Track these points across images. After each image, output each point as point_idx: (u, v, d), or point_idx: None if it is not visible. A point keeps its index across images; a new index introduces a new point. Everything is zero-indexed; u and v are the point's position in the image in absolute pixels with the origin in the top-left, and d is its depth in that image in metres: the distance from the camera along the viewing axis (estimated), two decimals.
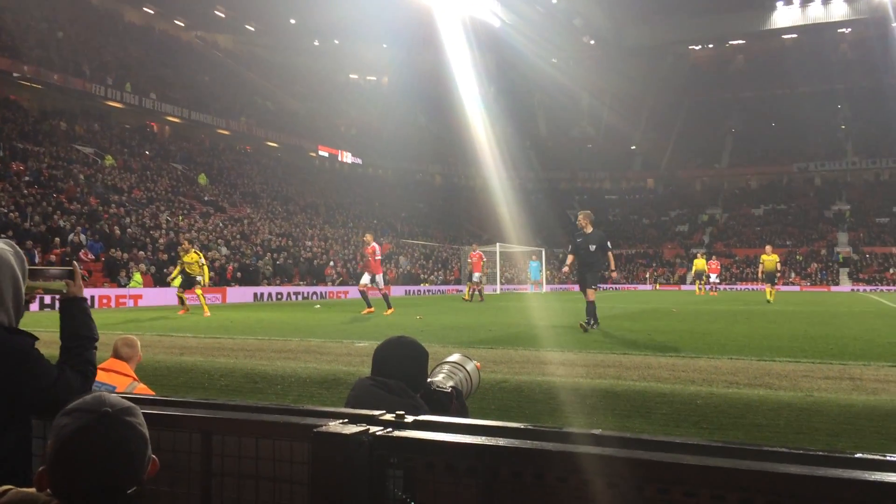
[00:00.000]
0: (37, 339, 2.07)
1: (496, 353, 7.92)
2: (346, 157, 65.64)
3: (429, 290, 40.72)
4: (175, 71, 53.06)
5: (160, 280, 25.78)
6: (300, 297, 30.29)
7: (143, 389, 4.09)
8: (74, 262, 2.59)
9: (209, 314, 16.70)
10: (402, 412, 2.14)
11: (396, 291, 37.38)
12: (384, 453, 1.91)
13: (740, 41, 75.97)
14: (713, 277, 34.20)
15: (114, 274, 25.10)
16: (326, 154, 63.30)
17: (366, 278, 17.01)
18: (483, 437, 1.88)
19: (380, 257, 17.45)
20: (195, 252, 18.04)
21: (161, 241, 29.51)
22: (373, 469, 1.89)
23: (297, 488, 2.01)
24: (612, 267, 12.26)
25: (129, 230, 29.13)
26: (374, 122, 70.65)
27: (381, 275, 17.22)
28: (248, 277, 30.36)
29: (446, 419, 2.16)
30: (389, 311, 16.46)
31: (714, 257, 38.09)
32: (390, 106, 68.32)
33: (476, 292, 26.17)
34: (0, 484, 1.92)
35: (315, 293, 30.82)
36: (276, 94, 62.46)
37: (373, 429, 1.94)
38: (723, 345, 9.01)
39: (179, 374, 6.77)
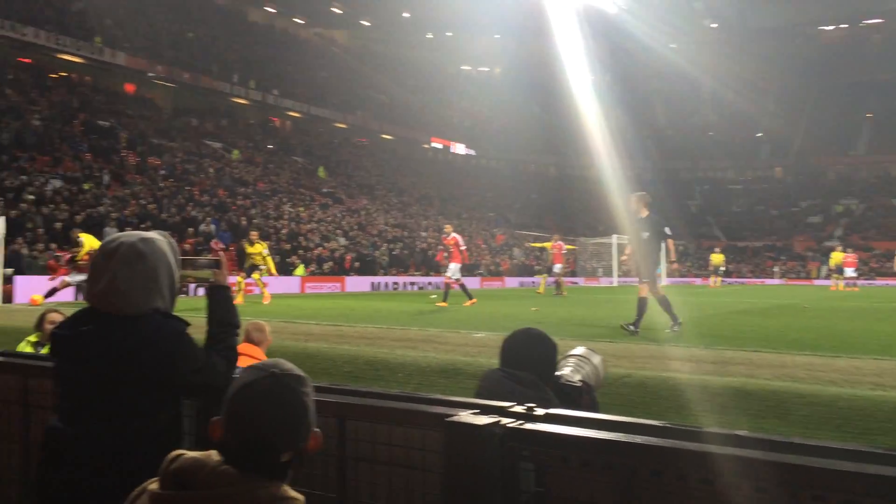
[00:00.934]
0: (189, 324, 2.19)
1: (617, 347, 7.74)
2: (459, 149, 66.06)
3: None
4: (295, 67, 55.00)
5: (283, 269, 26.90)
6: (416, 287, 30.77)
7: None
8: (221, 253, 2.73)
9: (268, 301, 16.97)
10: (532, 405, 2.10)
11: (510, 283, 37.34)
12: (516, 445, 1.88)
13: (877, 20, 70.71)
14: (849, 272, 32.05)
15: (242, 262, 26.33)
16: (440, 146, 63.95)
17: (455, 272, 17.19)
18: (620, 434, 1.82)
19: (465, 247, 17.69)
20: (259, 243, 18.27)
21: (283, 231, 30.73)
22: (505, 461, 1.87)
23: (428, 476, 2.02)
24: (672, 258, 10.93)
25: (254, 221, 30.51)
26: (487, 112, 70.72)
27: (456, 265, 17.32)
28: (366, 267, 31.14)
29: (578, 413, 2.11)
30: (444, 304, 16.20)
31: (849, 250, 35.70)
32: (503, 96, 68.14)
33: (556, 285, 24.18)
34: (154, 460, 2.04)
35: (430, 283, 31.23)
36: (390, 88, 63.60)
37: (504, 420, 1.92)
38: (864, 343, 8.42)
39: (305, 359, 6.99)
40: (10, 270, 17.92)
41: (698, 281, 48.70)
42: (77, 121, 32.62)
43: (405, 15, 64.85)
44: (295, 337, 8.48)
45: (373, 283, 29.25)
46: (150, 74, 41.51)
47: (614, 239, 40.78)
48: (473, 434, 1.83)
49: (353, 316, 12.19)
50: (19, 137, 27.95)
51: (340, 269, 29.82)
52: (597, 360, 3.24)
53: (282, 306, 15.30)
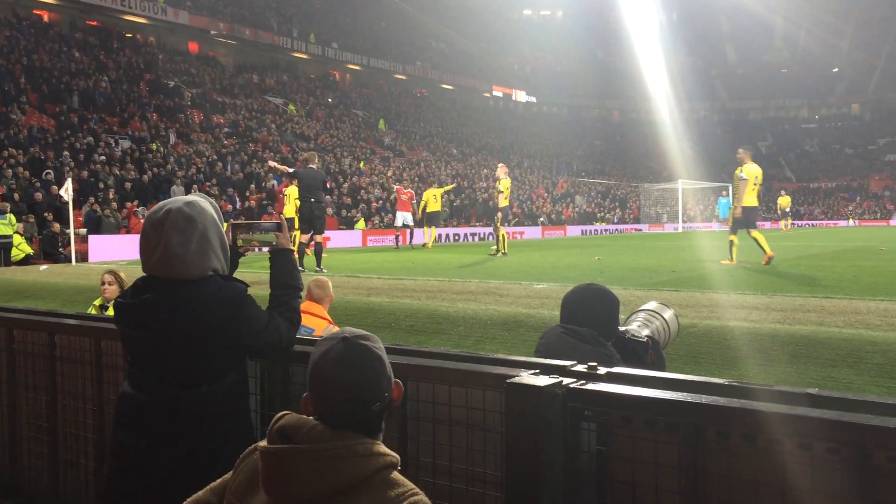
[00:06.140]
0: (248, 286, 2.21)
1: (682, 296, 7.59)
2: (520, 96, 65.07)
3: (605, 230, 39.89)
4: (354, 19, 54.72)
5: (345, 222, 27.22)
6: (477, 238, 30.77)
7: None
8: (282, 217, 2.75)
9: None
10: (594, 363, 2.08)
11: (572, 231, 36.97)
12: (578, 406, 1.87)
13: None
14: None
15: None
16: (500, 94, 63.11)
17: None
18: (685, 394, 1.78)
19: (406, 197, 20.72)
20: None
21: (345, 185, 30.98)
22: (567, 421, 1.86)
23: (489, 435, 2.03)
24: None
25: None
26: (548, 58, 69.24)
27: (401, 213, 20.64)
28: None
29: (641, 372, 2.08)
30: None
31: None
32: (565, 41, 66.53)
33: (401, 237, 21.73)
34: (224, 422, 2.10)
35: (491, 234, 31.14)
36: (449, 36, 62.78)
37: (565, 380, 1.90)
38: None
39: (368, 314, 7.10)
40: (83, 231, 18.58)
41: (768, 225, 47.31)
42: (143, 81, 33.33)
43: None
44: (357, 291, 8.60)
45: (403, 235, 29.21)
46: (213, 32, 41.90)
47: (679, 184, 39.81)
48: (534, 395, 1.82)
49: (415, 269, 12.26)
50: (88, 99, 28.75)
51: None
52: (668, 314, 3.17)
53: (344, 260, 15.50)
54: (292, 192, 16.70)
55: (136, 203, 21.55)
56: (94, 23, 37.18)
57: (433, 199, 22.09)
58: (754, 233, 12.28)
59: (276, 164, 13.54)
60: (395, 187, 23.18)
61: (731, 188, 12.56)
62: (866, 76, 67.23)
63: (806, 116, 70.79)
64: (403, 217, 21.26)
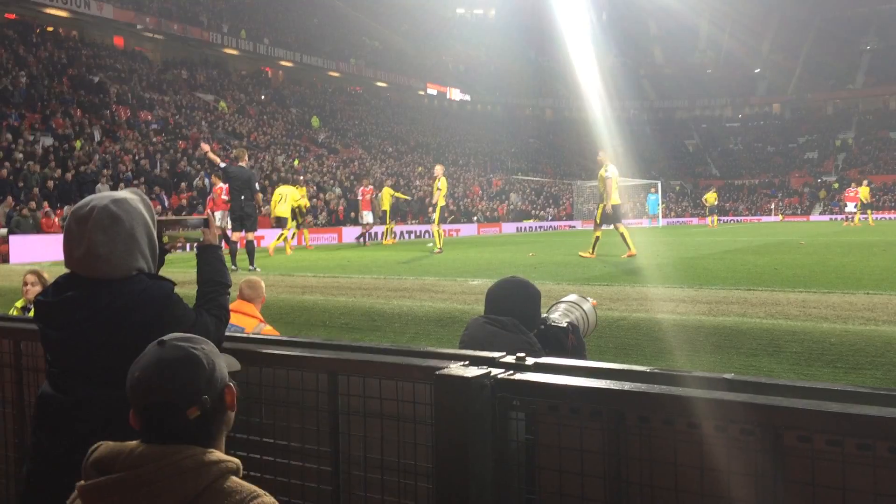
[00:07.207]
0: (175, 284, 2.16)
1: (612, 290, 7.77)
2: (455, 95, 65.28)
3: (540, 227, 40.41)
4: (286, 15, 53.92)
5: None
6: (413, 236, 30.78)
7: (269, 331, 4.25)
8: (209, 212, 2.71)
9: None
10: (522, 354, 2.12)
11: (507, 228, 37.33)
12: (506, 395, 1.90)
13: None
14: (849, 206, 31.91)
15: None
16: (435, 92, 63.18)
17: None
18: (608, 381, 1.83)
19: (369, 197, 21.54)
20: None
21: (279, 184, 30.54)
22: (495, 411, 1.89)
23: (420, 427, 2.05)
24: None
25: None
26: (482, 57, 69.65)
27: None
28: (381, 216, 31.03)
29: (567, 361, 2.12)
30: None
31: (854, 184, 35.49)
32: (498, 40, 67.04)
33: (365, 235, 22.77)
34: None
35: (427, 232, 31.20)
36: (383, 34, 62.47)
37: (494, 371, 1.93)
38: (858, 279, 8.46)
39: (302, 312, 7.04)
40: (3, 231, 17.80)
41: (695, 221, 48.75)
42: (66, 76, 32.12)
43: None
44: (292, 290, 8.51)
45: (370, 233, 29.16)
46: (139, 27, 40.65)
47: None
48: (463, 386, 1.84)
49: (350, 267, 12.20)
50: (7, 95, 27.55)
51: (337, 220, 29.78)
52: (587, 306, 3.29)
53: (279, 259, 15.31)
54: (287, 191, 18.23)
55: (46, 203, 20.75)
56: (13, 16, 35.66)
57: (384, 198, 23.03)
58: (621, 227, 12.93)
59: (212, 153, 13.36)
60: (360, 188, 23.40)
61: (606, 187, 13.08)
62: (786, 77, 69.87)
63: (730, 115, 73.17)
64: (368, 216, 22.47)
